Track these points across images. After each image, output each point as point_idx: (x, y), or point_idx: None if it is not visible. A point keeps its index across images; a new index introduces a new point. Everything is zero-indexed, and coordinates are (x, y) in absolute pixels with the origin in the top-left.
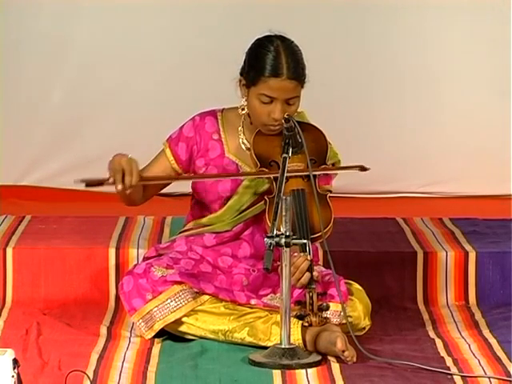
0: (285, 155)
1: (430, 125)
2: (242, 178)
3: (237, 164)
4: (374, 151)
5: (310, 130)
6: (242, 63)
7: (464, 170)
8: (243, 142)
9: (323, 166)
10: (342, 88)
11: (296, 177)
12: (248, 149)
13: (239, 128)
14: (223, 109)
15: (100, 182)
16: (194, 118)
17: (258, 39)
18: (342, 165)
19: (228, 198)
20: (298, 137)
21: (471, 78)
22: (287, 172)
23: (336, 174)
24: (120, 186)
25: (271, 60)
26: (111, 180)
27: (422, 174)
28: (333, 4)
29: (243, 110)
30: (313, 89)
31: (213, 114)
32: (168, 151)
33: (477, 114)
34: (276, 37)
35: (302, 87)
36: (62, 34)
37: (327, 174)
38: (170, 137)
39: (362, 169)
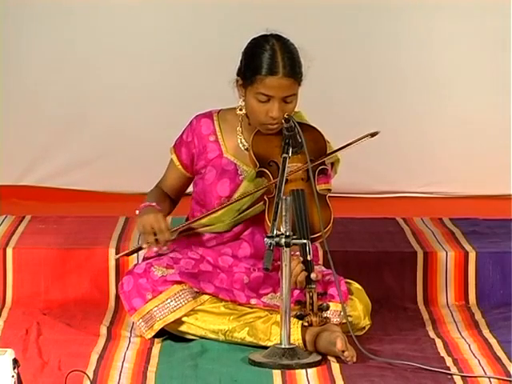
0: (285, 155)
1: (431, 125)
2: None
3: (235, 164)
4: (375, 151)
5: (309, 129)
6: (239, 63)
7: (464, 170)
8: (242, 142)
9: (322, 168)
10: (342, 88)
11: (295, 177)
12: (247, 149)
13: (237, 128)
14: (220, 110)
15: (137, 250)
16: (191, 121)
17: (254, 39)
18: (342, 166)
19: (227, 199)
20: (297, 137)
21: (472, 78)
22: (287, 173)
23: (335, 174)
24: (156, 248)
25: (267, 59)
26: (145, 246)
27: (422, 174)
28: (334, 4)
29: (241, 110)
30: (314, 88)
31: (209, 115)
32: (174, 157)
33: (477, 114)
34: (272, 36)
35: (299, 85)
36: (63, 35)
37: (326, 174)
38: (175, 143)
39: (373, 134)
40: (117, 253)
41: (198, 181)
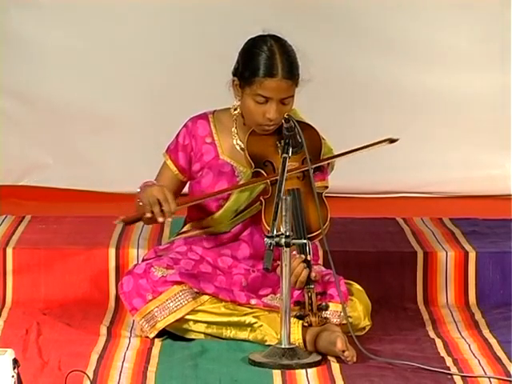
0: (285, 155)
1: (430, 125)
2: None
3: (232, 165)
4: (374, 151)
5: (304, 127)
6: (235, 63)
7: (464, 170)
8: (237, 143)
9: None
10: (341, 88)
11: (291, 176)
12: (242, 149)
13: (233, 129)
14: (214, 111)
15: (139, 218)
16: (186, 124)
17: (252, 39)
18: (342, 164)
19: (225, 200)
20: (297, 137)
21: (471, 77)
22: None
23: (332, 170)
24: (161, 219)
25: (266, 60)
26: (149, 215)
27: (422, 174)
28: (331, 4)
29: (236, 110)
30: (313, 88)
31: (204, 117)
32: (170, 162)
33: (477, 113)
34: (270, 36)
35: (297, 86)
36: (62, 34)
37: (322, 171)
38: (169, 148)
39: (391, 141)
40: (116, 253)
41: (195, 184)
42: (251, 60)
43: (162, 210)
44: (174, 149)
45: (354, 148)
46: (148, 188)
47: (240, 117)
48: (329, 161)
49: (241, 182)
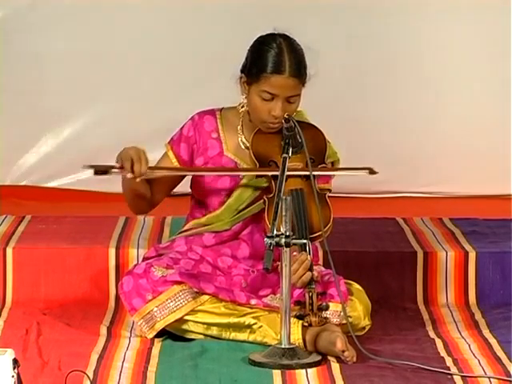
0: (285, 155)
1: (430, 125)
2: (242, 174)
3: (236, 163)
4: (374, 151)
5: (309, 128)
6: (244, 60)
7: (464, 170)
8: (242, 141)
9: (322, 166)
10: (342, 88)
11: (294, 176)
12: (247, 148)
13: (238, 127)
14: (222, 108)
15: (108, 169)
16: (193, 117)
17: (261, 37)
18: (343, 165)
19: (227, 197)
20: (298, 137)
21: (471, 78)
22: (287, 171)
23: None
24: (130, 174)
25: (274, 57)
26: (118, 165)
27: (422, 174)
28: (333, 5)
29: (243, 107)
30: (313, 88)
31: (212, 113)
32: (170, 153)
33: (477, 113)
34: (279, 35)
35: (303, 86)
36: (63, 35)
37: None
38: (172, 138)
39: (371, 172)
40: (117, 253)
41: (197, 179)
42: (259, 56)
43: (132, 168)
44: (176, 140)
45: (331, 168)
46: (127, 147)
47: (246, 114)
48: (319, 173)
49: (243, 180)
